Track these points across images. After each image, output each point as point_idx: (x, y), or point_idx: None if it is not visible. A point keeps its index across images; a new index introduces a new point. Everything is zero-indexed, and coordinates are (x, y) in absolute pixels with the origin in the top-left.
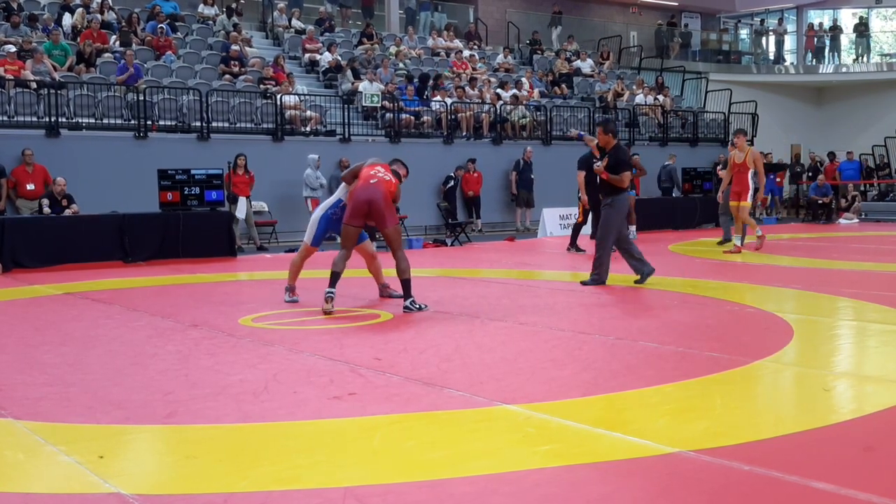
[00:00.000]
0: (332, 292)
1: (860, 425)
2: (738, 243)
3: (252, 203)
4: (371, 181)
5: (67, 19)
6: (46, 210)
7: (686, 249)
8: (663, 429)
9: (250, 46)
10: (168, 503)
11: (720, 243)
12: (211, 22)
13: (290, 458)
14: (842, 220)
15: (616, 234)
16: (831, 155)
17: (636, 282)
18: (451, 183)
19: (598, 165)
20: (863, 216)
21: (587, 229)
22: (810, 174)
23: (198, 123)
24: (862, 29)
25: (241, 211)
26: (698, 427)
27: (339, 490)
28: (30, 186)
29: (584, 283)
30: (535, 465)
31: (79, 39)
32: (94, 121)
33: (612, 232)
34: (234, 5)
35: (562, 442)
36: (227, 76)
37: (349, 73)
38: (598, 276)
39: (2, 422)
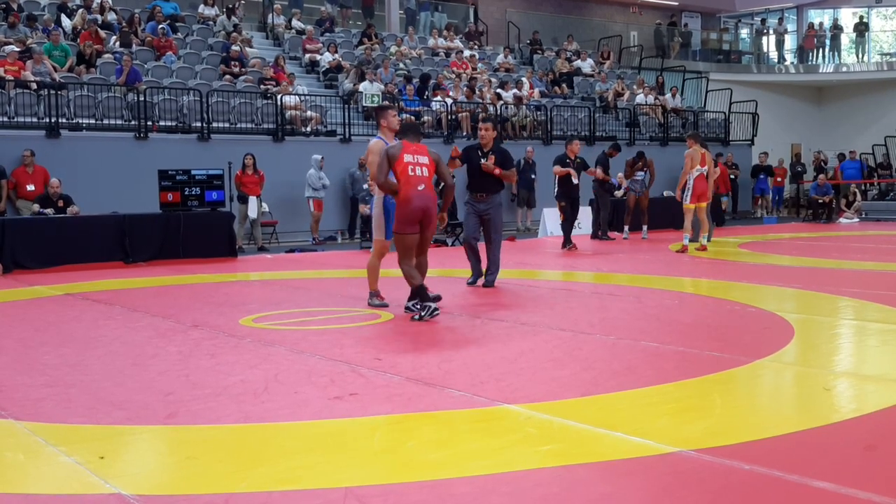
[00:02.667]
0: (430, 305)
1: (861, 424)
2: (705, 241)
3: (262, 203)
4: (419, 187)
5: (66, 20)
6: (36, 207)
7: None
8: (664, 428)
9: (250, 47)
10: None
11: (691, 241)
12: (211, 22)
13: (290, 458)
14: (842, 220)
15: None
16: (841, 156)
17: (469, 283)
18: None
19: (486, 162)
20: (863, 215)
21: (588, 228)
22: (815, 174)
23: (198, 124)
24: (862, 28)
25: (252, 210)
26: (699, 426)
27: (340, 490)
28: (30, 187)
29: (485, 286)
30: (535, 464)
31: (79, 40)
32: (94, 121)
33: (502, 230)
34: (235, 6)
35: (562, 442)
36: (227, 76)
37: (352, 74)
38: (477, 275)
39: (2, 423)
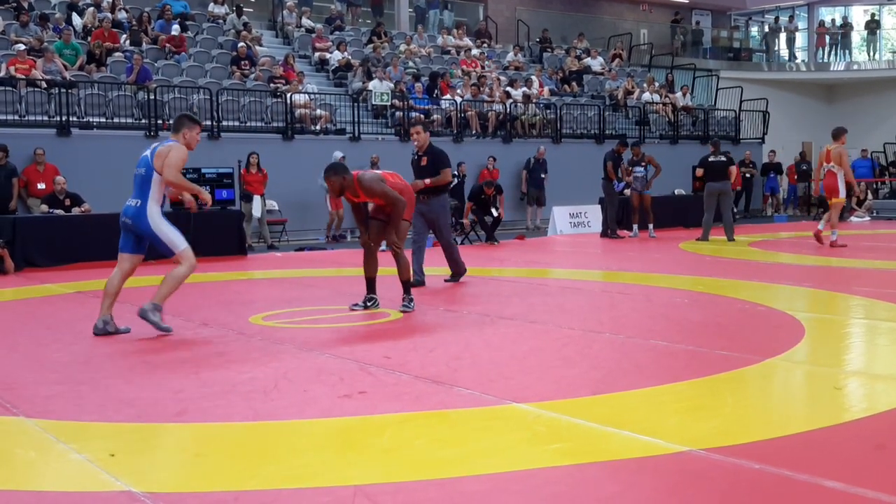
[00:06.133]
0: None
1: (871, 424)
2: (833, 237)
3: (266, 201)
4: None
5: (77, 18)
6: (44, 207)
7: (696, 247)
8: (673, 427)
9: (260, 45)
10: (178, 501)
11: (699, 239)
12: (221, 21)
13: (299, 456)
14: (853, 218)
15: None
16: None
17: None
18: (455, 181)
19: (422, 182)
20: (874, 214)
21: (597, 226)
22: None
23: (208, 122)
24: (873, 26)
25: (256, 209)
26: (709, 425)
27: (349, 488)
28: (41, 185)
29: (446, 280)
30: (544, 463)
31: (89, 39)
32: (104, 120)
33: (450, 230)
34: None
35: (571, 440)
36: (237, 74)
37: (360, 72)
38: (458, 272)
39: (13, 420)
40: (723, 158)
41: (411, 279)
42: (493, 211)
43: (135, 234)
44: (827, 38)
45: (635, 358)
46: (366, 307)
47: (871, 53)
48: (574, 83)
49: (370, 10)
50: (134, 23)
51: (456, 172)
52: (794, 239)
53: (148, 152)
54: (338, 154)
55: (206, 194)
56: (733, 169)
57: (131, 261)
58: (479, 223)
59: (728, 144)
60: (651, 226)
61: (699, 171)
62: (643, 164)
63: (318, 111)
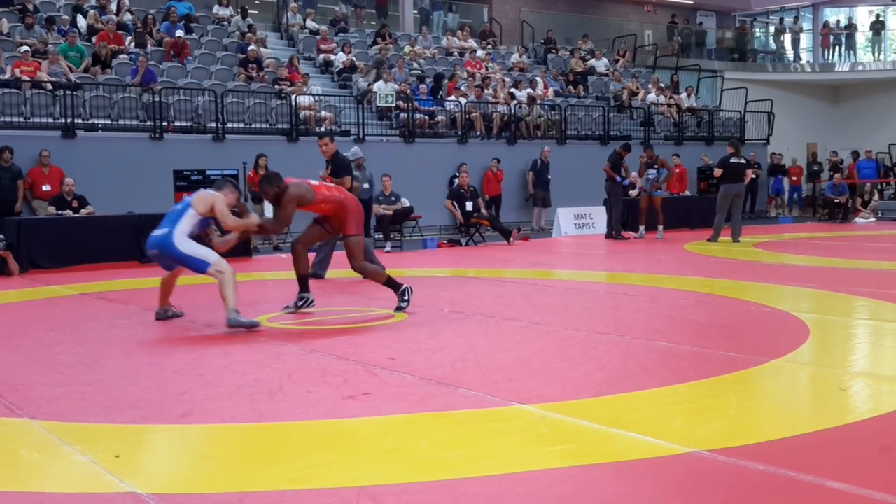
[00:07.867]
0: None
1: (876, 425)
2: None
3: None
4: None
5: (82, 20)
6: (52, 209)
7: (701, 248)
8: (678, 429)
9: (265, 47)
10: (183, 502)
11: (709, 240)
12: (226, 23)
13: (304, 457)
14: (858, 219)
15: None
16: (855, 154)
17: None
18: (456, 183)
19: (324, 173)
20: (879, 215)
21: (602, 227)
22: (831, 173)
23: (213, 124)
24: (878, 27)
25: (268, 209)
26: (713, 427)
27: (354, 490)
28: (46, 187)
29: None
30: (549, 464)
31: (95, 40)
32: (109, 122)
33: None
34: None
35: (576, 442)
36: (243, 76)
37: (371, 73)
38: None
39: (18, 421)
40: (743, 161)
41: (392, 278)
42: (468, 205)
43: (165, 261)
44: (832, 38)
45: (640, 359)
46: (297, 307)
47: (877, 54)
48: (579, 84)
49: (375, 12)
50: (139, 25)
51: (457, 173)
52: (800, 240)
53: (189, 196)
54: (356, 150)
55: (254, 227)
56: (749, 172)
57: (175, 273)
58: (492, 226)
59: None
60: (661, 227)
61: (717, 172)
62: (656, 166)
63: (323, 113)
